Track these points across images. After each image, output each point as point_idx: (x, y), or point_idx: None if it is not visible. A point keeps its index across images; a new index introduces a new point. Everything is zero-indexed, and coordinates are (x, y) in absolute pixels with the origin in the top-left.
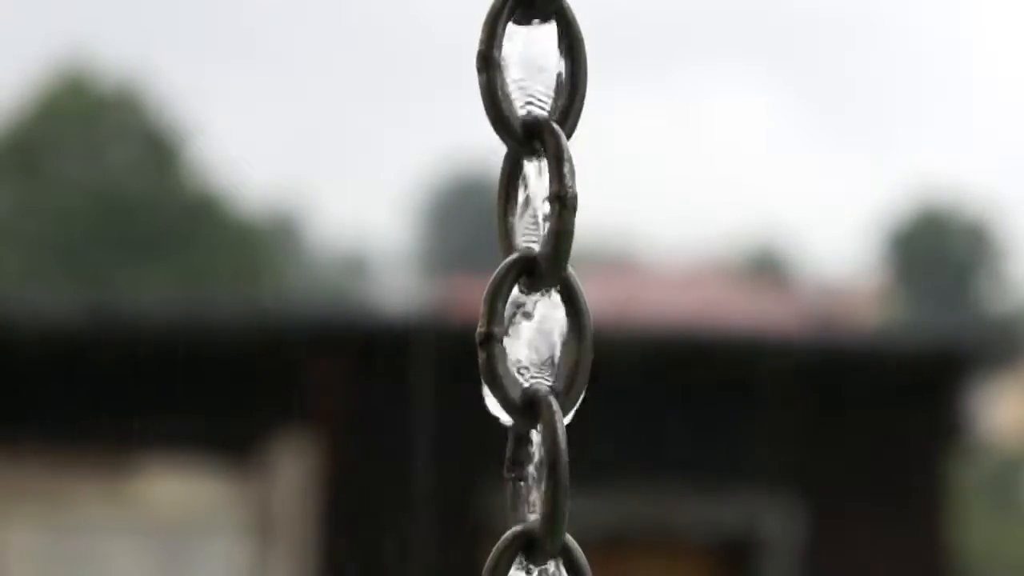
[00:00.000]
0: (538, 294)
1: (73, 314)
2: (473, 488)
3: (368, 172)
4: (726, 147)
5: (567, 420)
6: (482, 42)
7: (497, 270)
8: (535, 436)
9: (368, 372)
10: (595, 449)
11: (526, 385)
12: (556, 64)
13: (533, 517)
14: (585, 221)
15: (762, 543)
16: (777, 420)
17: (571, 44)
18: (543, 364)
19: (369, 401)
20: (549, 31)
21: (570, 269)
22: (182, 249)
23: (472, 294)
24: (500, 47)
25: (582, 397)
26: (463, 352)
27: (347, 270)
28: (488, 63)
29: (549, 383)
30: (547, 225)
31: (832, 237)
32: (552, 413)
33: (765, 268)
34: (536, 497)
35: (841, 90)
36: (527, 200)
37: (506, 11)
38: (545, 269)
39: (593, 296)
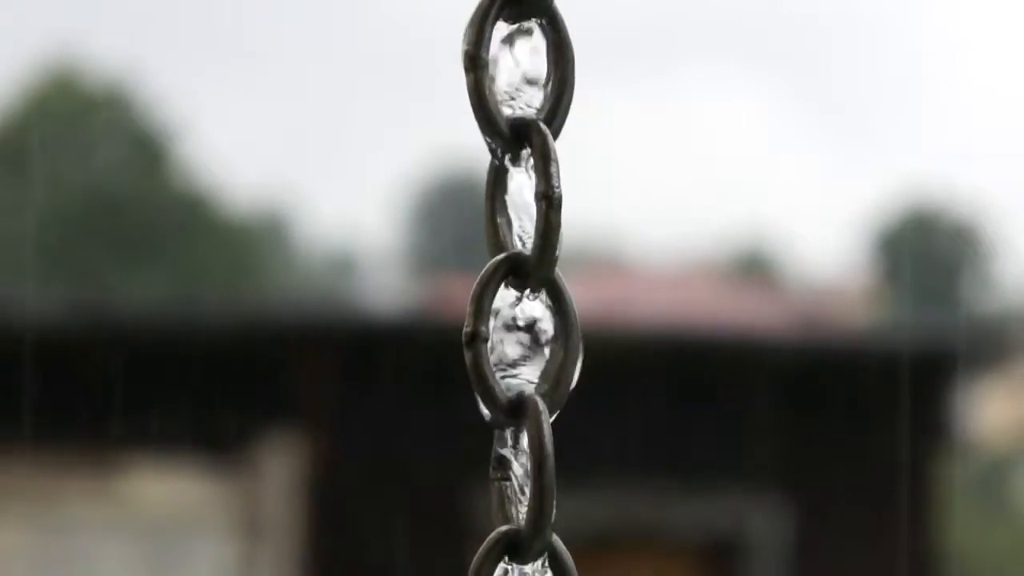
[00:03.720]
0: (525, 294)
1: (60, 312)
2: (459, 488)
3: (357, 171)
4: (716, 147)
5: (553, 420)
6: (469, 42)
7: (484, 269)
8: (521, 436)
9: (356, 371)
10: (581, 449)
11: (513, 385)
12: (544, 64)
13: (519, 517)
14: (574, 221)
15: (749, 543)
16: (764, 420)
17: (559, 43)
18: (530, 364)
19: (357, 400)
20: (537, 30)
21: (557, 269)
22: (171, 248)
23: (460, 293)
24: (487, 47)
25: (568, 397)
26: (451, 351)
27: (336, 269)
28: (475, 63)
29: (536, 383)
30: (534, 225)
31: (820, 237)
32: (538, 413)
33: (753, 268)
34: (522, 497)
35: (831, 92)
36: (514, 199)
37: (494, 11)
38: (532, 269)
39: (581, 296)
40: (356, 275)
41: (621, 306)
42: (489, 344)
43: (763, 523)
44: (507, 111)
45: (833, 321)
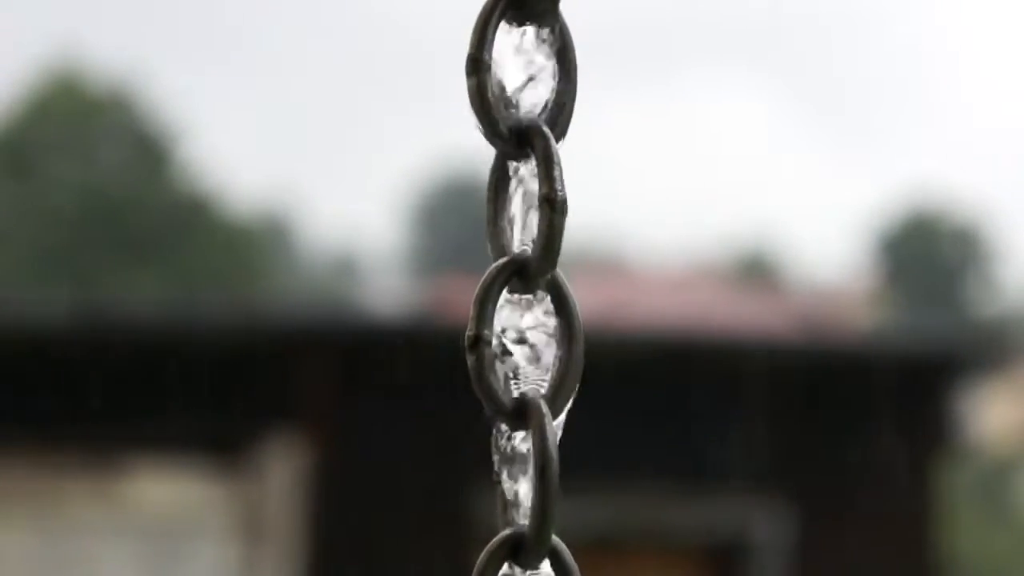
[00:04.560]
0: (528, 297)
1: (62, 315)
2: (462, 490)
3: (358, 173)
4: (718, 149)
5: (556, 423)
6: (472, 45)
7: (487, 272)
8: (524, 439)
9: (358, 373)
10: (584, 451)
11: (515, 388)
12: (546, 66)
13: (522, 520)
14: (577, 223)
15: (752, 545)
16: (767, 423)
17: (562, 47)
18: (533, 367)
19: (358, 402)
20: (540, 34)
21: (559, 272)
22: (173, 250)
23: (462, 296)
24: (490, 50)
25: (572, 400)
26: (454, 353)
27: (337, 271)
28: (478, 66)
29: (539, 386)
30: (537, 228)
31: (822, 240)
32: (541, 416)
33: (756, 271)
34: (525, 500)
35: (833, 94)
36: (517, 203)
37: (497, 14)
38: (535, 272)
39: (584, 298)
40: (357, 277)
41: (624, 308)
42: (491, 347)
43: (766, 525)
44: (509, 114)
45: (835, 324)
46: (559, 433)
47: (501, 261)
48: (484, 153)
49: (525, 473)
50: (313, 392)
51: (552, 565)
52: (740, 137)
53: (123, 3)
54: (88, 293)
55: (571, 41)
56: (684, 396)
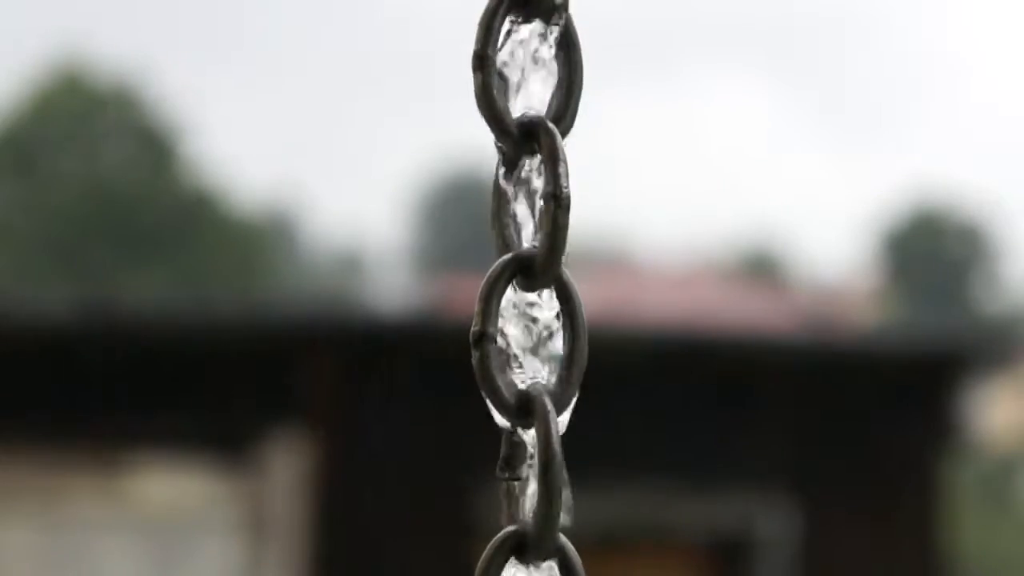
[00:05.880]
0: (533, 293)
1: (67, 311)
2: (467, 487)
3: (364, 170)
4: (723, 147)
5: (561, 420)
6: (477, 41)
7: (492, 269)
8: (529, 436)
9: (363, 370)
10: (589, 448)
11: (520, 385)
12: (552, 63)
13: (526, 517)
14: (582, 220)
15: (757, 543)
16: (772, 420)
17: (567, 43)
18: (537, 363)
19: (363, 399)
20: (546, 30)
21: (564, 268)
22: (177, 246)
23: (467, 293)
24: (495, 46)
25: (576, 396)
26: (458, 351)
27: (342, 268)
28: (483, 63)
29: (543, 383)
30: (542, 224)
31: (828, 237)
32: (546, 413)
33: (760, 268)
34: (529, 497)
35: (838, 92)
36: (522, 199)
37: (502, 10)
38: (540, 268)
39: (589, 295)
40: (363, 274)
41: (628, 305)
42: (497, 344)
43: (771, 522)
44: (515, 110)
45: (839, 321)
46: (563, 429)
47: (506, 258)
48: (489, 150)
49: (529, 470)
50: (317, 389)
51: (557, 562)
52: (744, 134)
53: (128, 1)
54: (92, 289)
55: (577, 38)
56: (688, 393)
